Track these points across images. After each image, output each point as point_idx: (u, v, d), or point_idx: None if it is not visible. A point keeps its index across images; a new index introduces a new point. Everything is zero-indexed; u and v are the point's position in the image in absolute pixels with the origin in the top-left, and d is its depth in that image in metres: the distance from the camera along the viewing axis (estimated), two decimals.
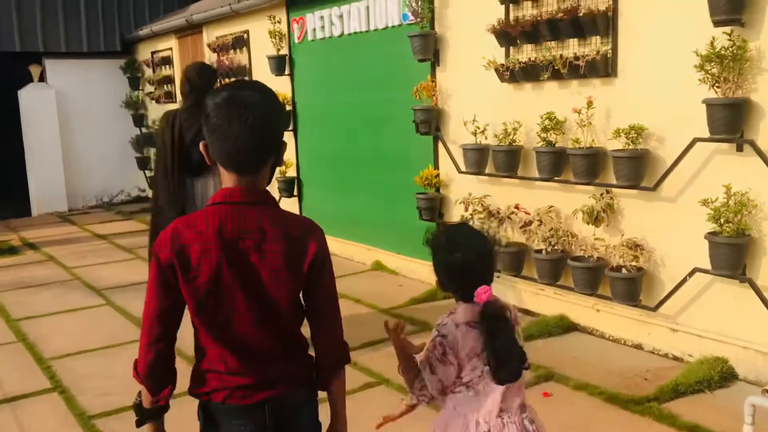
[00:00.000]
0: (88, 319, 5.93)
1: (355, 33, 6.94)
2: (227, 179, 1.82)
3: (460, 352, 2.10)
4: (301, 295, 1.88)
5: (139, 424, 1.92)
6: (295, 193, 8.22)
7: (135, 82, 12.22)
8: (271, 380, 1.83)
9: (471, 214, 5.61)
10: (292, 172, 8.21)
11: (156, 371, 1.85)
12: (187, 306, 1.82)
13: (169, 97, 11.18)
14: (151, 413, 1.89)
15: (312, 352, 1.95)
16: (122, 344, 5.15)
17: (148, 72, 11.94)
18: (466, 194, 5.70)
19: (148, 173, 12.33)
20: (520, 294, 5.54)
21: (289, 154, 8.12)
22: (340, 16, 7.08)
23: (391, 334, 2.17)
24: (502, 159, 5.26)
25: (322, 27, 7.39)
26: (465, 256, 2.15)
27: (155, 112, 11.82)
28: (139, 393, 1.92)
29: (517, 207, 5.30)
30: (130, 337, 5.24)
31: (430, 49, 5.90)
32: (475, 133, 5.50)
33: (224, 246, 1.75)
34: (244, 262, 1.76)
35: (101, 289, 6.79)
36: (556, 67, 4.75)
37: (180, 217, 1.85)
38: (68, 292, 6.78)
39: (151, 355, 1.84)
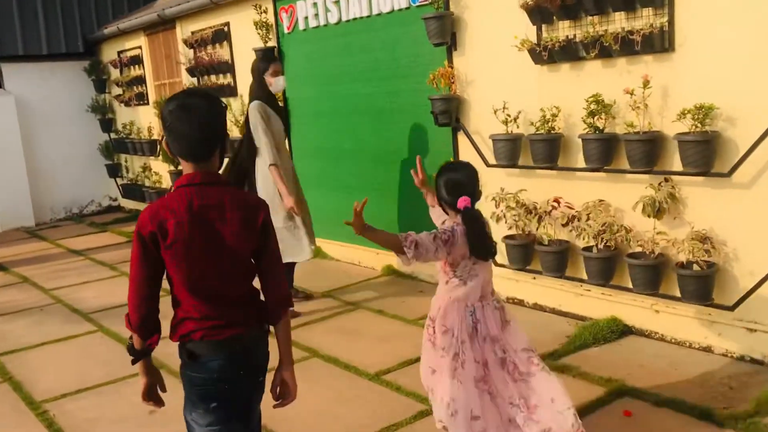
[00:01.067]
0: (80, 349, 5.27)
1: (355, 19, 6.36)
2: (186, 167, 2.31)
3: (456, 251, 2.97)
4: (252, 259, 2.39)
5: (134, 362, 2.41)
6: None
7: (101, 85, 11.44)
8: (236, 321, 2.33)
9: (503, 212, 5.10)
10: None
11: (146, 323, 2.32)
12: (167, 269, 2.30)
13: (141, 98, 10.45)
14: (143, 353, 2.38)
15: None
16: (124, 378, 4.52)
17: (115, 73, 11.17)
18: (495, 189, 5.18)
19: (120, 181, 11.58)
20: (562, 296, 5.06)
21: None
22: (337, 2, 6.50)
23: (359, 224, 2.98)
24: (541, 149, 4.75)
25: (316, 15, 6.79)
26: (462, 175, 3.10)
27: (125, 115, 11.08)
28: (130, 337, 2.38)
29: (557, 201, 4.81)
30: (132, 369, 4.60)
31: (447, 31, 5.36)
32: (506, 122, 4.99)
33: (193, 218, 2.24)
34: (211, 228, 2.26)
35: (88, 312, 6.12)
36: (605, 44, 4.26)
37: (156, 201, 2.33)
38: (51, 318, 6.09)
39: (143, 311, 2.30)
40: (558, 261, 4.84)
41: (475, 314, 3.03)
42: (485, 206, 5.26)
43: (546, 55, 4.63)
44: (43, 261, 8.41)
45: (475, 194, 3.07)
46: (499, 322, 3.09)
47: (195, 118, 2.24)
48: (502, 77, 5.13)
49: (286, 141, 6.25)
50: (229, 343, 2.32)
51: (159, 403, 2.50)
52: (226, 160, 3.85)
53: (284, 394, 2.49)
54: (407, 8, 5.81)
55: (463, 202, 2.97)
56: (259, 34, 7.37)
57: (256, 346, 2.41)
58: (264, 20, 7.35)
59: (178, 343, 2.37)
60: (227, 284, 2.32)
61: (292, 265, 5.58)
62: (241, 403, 2.39)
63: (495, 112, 5.01)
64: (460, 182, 3.06)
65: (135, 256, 2.28)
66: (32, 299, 6.71)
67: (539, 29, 4.82)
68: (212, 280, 2.29)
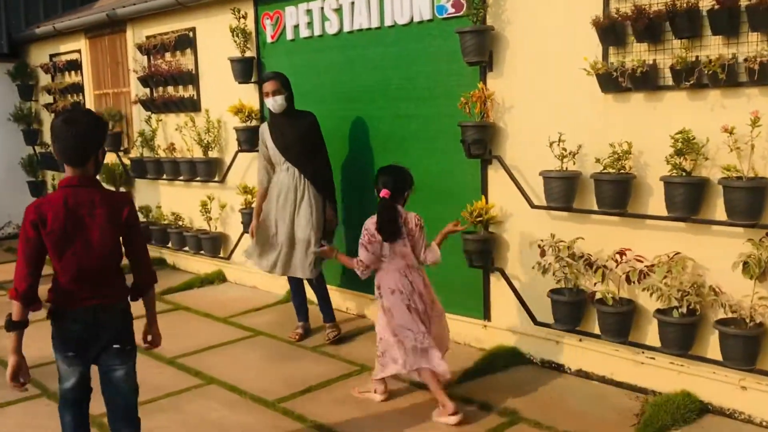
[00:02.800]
0: (22, 419, 4.13)
1: (361, 30, 5.53)
2: (67, 170, 2.89)
3: (373, 238, 4.01)
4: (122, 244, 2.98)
5: (8, 329, 2.86)
6: None
7: (27, 91, 10.07)
8: (98, 294, 2.92)
9: (550, 263, 4.34)
10: None
11: (28, 293, 2.82)
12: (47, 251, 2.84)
13: None
14: (18, 324, 2.86)
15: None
16: None
17: (46, 79, 9.86)
18: (542, 235, 4.43)
19: None
20: (616, 364, 4.32)
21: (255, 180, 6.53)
22: (338, 9, 5.65)
23: (327, 253, 4.34)
24: (609, 191, 4.03)
25: (309, 23, 5.91)
26: (389, 175, 4.07)
27: None
28: (8, 314, 2.85)
29: (622, 253, 4.08)
30: None
31: (486, 49, 4.60)
32: (561, 157, 4.25)
33: (67, 212, 2.82)
34: (81, 222, 2.84)
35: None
36: (708, 72, 3.59)
37: (42, 197, 3.02)
38: None
39: (27, 282, 2.81)
40: (621, 323, 4.11)
41: (407, 277, 4.03)
42: (528, 254, 4.50)
43: (624, 81, 3.92)
44: None
45: (398, 191, 4.01)
46: (422, 282, 4.09)
47: (74, 130, 2.82)
48: (554, 105, 4.40)
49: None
50: (87, 311, 2.90)
51: (21, 386, 2.94)
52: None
53: (153, 342, 3.21)
54: (430, 20, 5.02)
55: (383, 193, 3.97)
56: (236, 42, 6.41)
57: (112, 316, 2.98)
58: (242, 27, 6.40)
59: (50, 305, 2.93)
60: (94, 267, 2.87)
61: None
62: (91, 357, 2.99)
63: (551, 144, 4.26)
64: (387, 180, 4.01)
65: (22, 238, 2.82)
66: None
67: (606, 51, 4.12)
68: (81, 262, 2.84)
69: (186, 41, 7.23)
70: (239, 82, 6.49)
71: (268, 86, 5.16)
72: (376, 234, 3.95)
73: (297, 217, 5.18)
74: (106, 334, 2.95)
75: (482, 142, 4.64)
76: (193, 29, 7.19)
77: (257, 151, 6.43)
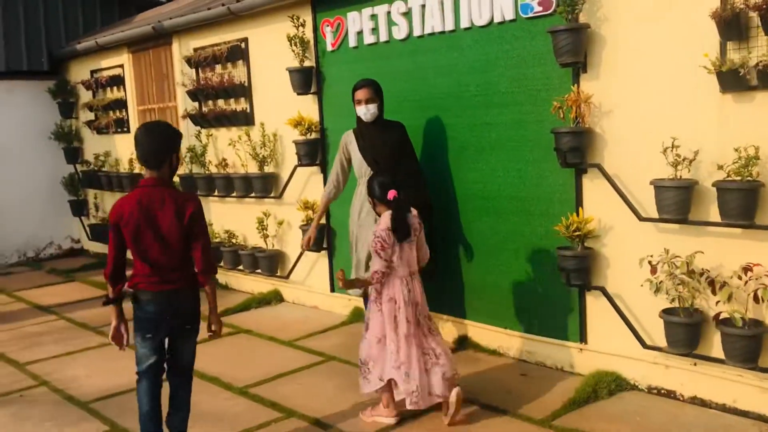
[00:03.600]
0: None
1: (432, 35, 5.19)
2: (146, 173, 3.42)
3: (386, 243, 3.91)
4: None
5: (105, 305, 3.51)
6: (325, 245, 6.31)
7: (67, 108, 9.90)
8: (169, 280, 3.41)
9: (662, 281, 3.95)
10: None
11: (115, 275, 3.42)
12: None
13: (121, 125, 8.98)
14: (111, 301, 3.47)
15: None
16: None
17: (87, 96, 9.66)
18: (652, 250, 4.04)
19: (87, 220, 9.98)
20: (739, 390, 3.91)
21: (315, 196, 6.22)
22: (406, 13, 5.33)
23: (345, 283, 3.99)
24: (735, 200, 3.64)
25: (374, 29, 5.60)
26: (387, 178, 4.07)
27: (96, 144, 9.57)
28: (105, 294, 3.52)
29: (748, 269, 3.69)
30: None
31: (581, 48, 4.25)
32: (675, 164, 3.87)
33: (141, 209, 3.31)
34: (153, 218, 3.33)
35: (86, 401, 4.64)
36: None
37: (123, 196, 3.45)
38: (36, 409, 4.57)
39: (112, 267, 3.40)
40: (750, 347, 3.70)
41: (408, 285, 4.01)
42: (634, 271, 4.11)
43: (751, 79, 3.54)
44: (5, 321, 6.79)
45: (399, 190, 3.99)
46: (420, 292, 4.08)
47: (151, 138, 3.38)
48: (663, 107, 4.02)
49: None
50: (161, 295, 3.41)
51: (122, 345, 3.53)
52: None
53: (216, 331, 3.62)
54: (512, 21, 4.68)
55: (392, 194, 3.96)
56: (293, 51, 6.12)
57: (183, 300, 3.47)
58: (300, 35, 6.10)
59: (131, 289, 3.43)
60: (163, 255, 3.37)
61: None
62: (165, 337, 3.50)
63: (664, 151, 3.89)
64: (387, 183, 4.02)
65: (109, 232, 3.38)
66: (4, 379, 5.15)
67: (724, 46, 3.74)
68: (153, 254, 3.36)
69: (238, 52, 6.96)
70: (298, 93, 6.19)
71: (362, 94, 4.86)
72: (387, 238, 3.91)
73: None
74: (177, 315, 3.46)
75: (579, 150, 4.28)
76: (245, 39, 6.91)
77: (317, 165, 6.17)
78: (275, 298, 6.94)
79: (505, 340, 5.06)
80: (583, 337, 4.59)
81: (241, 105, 7.07)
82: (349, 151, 5.03)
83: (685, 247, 3.94)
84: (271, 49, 6.60)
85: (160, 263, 3.35)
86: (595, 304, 4.52)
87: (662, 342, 4.09)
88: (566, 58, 4.25)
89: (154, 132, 3.39)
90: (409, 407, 3.97)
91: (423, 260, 4.14)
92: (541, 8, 4.49)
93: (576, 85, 4.36)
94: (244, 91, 6.98)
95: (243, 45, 6.93)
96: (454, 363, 4.13)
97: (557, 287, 4.62)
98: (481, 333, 5.20)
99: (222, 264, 7.45)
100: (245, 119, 6.99)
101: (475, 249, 5.12)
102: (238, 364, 5.23)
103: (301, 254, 6.53)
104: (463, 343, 5.28)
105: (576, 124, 4.30)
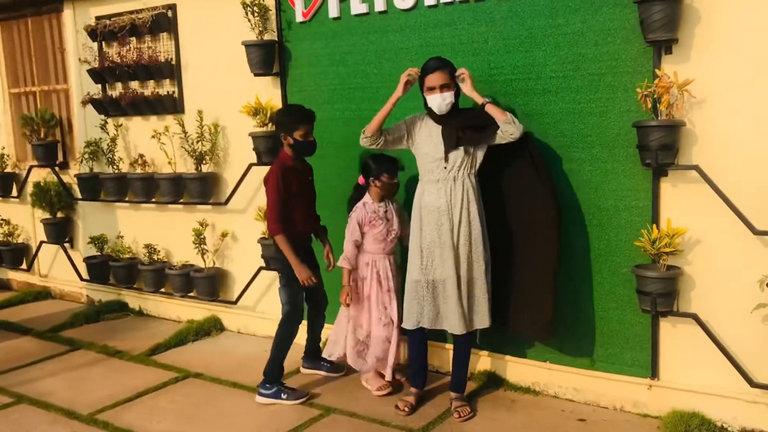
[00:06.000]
0: None
1: (452, 3, 4.22)
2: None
3: (363, 222, 4.27)
4: None
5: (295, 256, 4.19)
6: None
7: None
8: (312, 226, 4.40)
9: None
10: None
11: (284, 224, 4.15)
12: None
13: None
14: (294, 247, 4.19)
15: None
16: None
17: None
18: (764, 270, 3.35)
19: None
20: None
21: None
22: None
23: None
24: None
25: None
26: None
27: None
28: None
29: None
30: None
31: (676, 23, 3.46)
32: None
33: (297, 175, 4.21)
34: (307, 182, 4.31)
35: None
36: None
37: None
38: None
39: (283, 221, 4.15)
40: None
41: (376, 264, 4.30)
42: (747, 294, 3.40)
43: None
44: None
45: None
46: (389, 268, 4.33)
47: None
48: None
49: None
50: (308, 236, 4.42)
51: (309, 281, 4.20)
52: None
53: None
54: None
55: (361, 180, 4.33)
56: (249, 21, 4.88)
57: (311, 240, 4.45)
58: (259, 1, 4.88)
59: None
60: (310, 209, 4.40)
61: None
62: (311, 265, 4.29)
63: None
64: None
65: (275, 192, 4.10)
66: None
67: None
68: (305, 208, 4.31)
69: (162, 22, 5.57)
70: (256, 74, 4.96)
71: (435, 79, 3.76)
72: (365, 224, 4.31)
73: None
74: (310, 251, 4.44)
75: (672, 148, 3.50)
76: (173, 6, 5.54)
77: None
78: (215, 327, 5.65)
79: (543, 376, 4.20)
80: (654, 372, 3.83)
81: (167, 88, 5.69)
82: (413, 136, 3.97)
83: None
84: (211, 18, 5.31)
85: (308, 214, 4.46)
86: (670, 332, 3.77)
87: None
88: (660, 34, 3.44)
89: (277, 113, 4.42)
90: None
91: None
92: None
93: (655, 68, 3.58)
94: (169, 71, 5.60)
95: (169, 13, 5.55)
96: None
97: (620, 311, 3.84)
98: (512, 367, 4.32)
99: (138, 286, 6.02)
100: (172, 106, 5.62)
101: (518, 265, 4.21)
102: (207, 427, 3.98)
103: (257, 273, 5.29)
104: (488, 379, 4.35)
105: (666, 116, 3.51)
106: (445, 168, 3.81)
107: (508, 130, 3.74)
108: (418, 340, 4.07)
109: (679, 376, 3.78)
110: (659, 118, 3.53)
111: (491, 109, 3.76)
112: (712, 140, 3.52)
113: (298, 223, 4.25)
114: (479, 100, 3.79)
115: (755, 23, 3.36)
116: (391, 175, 4.23)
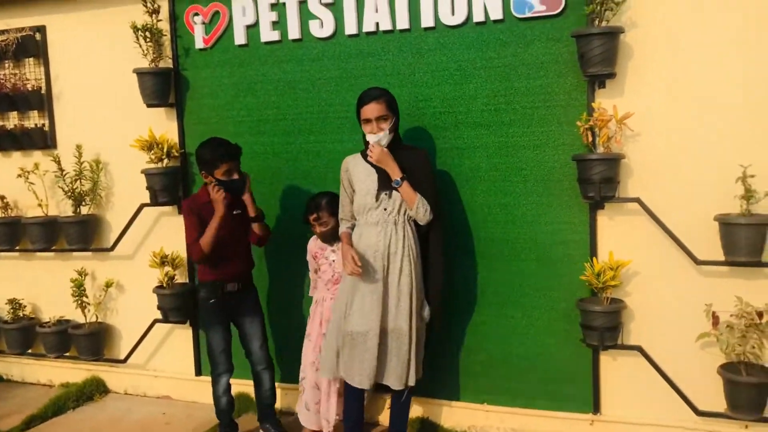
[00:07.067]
0: None
1: (375, 34, 4.02)
2: None
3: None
4: None
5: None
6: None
7: None
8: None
9: (722, 334, 3.35)
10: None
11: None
12: None
13: None
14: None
15: None
16: None
17: None
18: (706, 299, 3.42)
19: None
20: None
21: (176, 246, 4.58)
22: (331, 4, 4.08)
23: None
24: None
25: (276, 23, 4.22)
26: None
27: None
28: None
29: None
30: None
31: (614, 57, 3.49)
32: (747, 198, 3.29)
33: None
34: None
35: None
36: None
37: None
38: None
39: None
40: None
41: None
42: (690, 324, 3.47)
43: None
44: None
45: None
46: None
47: None
48: (720, 131, 3.43)
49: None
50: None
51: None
52: None
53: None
54: (499, 21, 3.75)
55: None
56: (141, 47, 4.41)
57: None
58: (151, 25, 4.42)
59: None
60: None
61: None
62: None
63: (737, 181, 3.28)
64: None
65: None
66: None
67: None
68: None
69: (29, 46, 4.90)
70: (150, 105, 4.47)
71: (371, 110, 3.48)
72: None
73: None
74: None
75: (613, 181, 3.50)
76: (41, 28, 4.90)
77: (175, 204, 4.53)
78: (97, 389, 4.96)
79: (480, 418, 4.04)
80: (596, 407, 3.79)
81: (35, 120, 5.00)
82: (352, 184, 3.67)
83: (754, 295, 3.37)
84: (89, 43, 4.76)
85: None
86: (612, 365, 3.76)
87: (718, 406, 3.47)
88: (599, 68, 3.45)
89: None
90: None
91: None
92: (544, 7, 3.64)
93: (589, 101, 3.59)
94: (39, 100, 4.93)
95: (38, 36, 4.90)
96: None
97: (557, 346, 3.80)
98: (446, 411, 4.12)
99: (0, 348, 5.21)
100: (42, 140, 4.95)
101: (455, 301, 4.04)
102: None
103: (151, 326, 4.72)
104: (421, 426, 4.11)
105: (605, 149, 3.52)
106: (385, 210, 3.57)
107: (416, 215, 3.53)
108: (351, 391, 3.76)
109: (621, 410, 3.76)
110: (597, 151, 3.53)
111: (404, 190, 3.49)
112: (650, 172, 3.57)
113: (219, 265, 3.82)
114: (394, 176, 3.50)
115: (685, 57, 3.46)
116: (318, 219, 3.91)
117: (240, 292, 3.93)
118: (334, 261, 3.93)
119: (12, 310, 5.07)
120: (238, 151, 3.80)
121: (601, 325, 3.52)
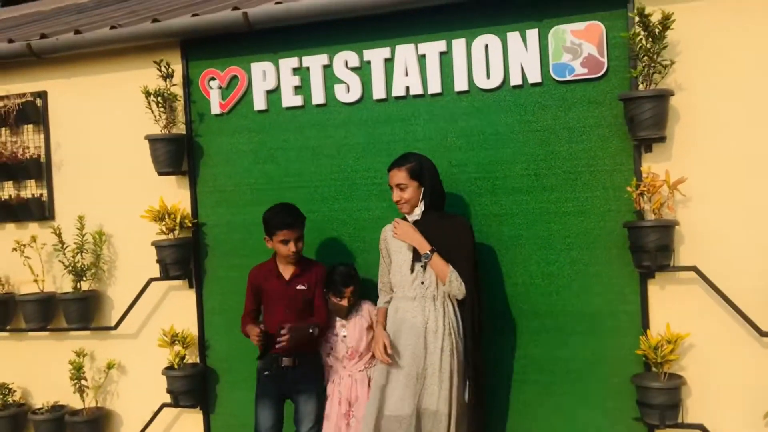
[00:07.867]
0: None
1: (404, 98, 3.87)
2: None
3: None
4: None
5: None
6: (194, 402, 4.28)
7: None
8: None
9: None
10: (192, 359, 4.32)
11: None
12: None
13: None
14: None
15: None
16: None
17: None
18: None
19: None
20: None
21: (186, 323, 4.27)
22: (358, 68, 3.93)
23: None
24: None
25: (299, 87, 4.05)
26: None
27: None
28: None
29: None
30: None
31: (664, 121, 3.37)
32: None
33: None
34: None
35: None
36: None
37: None
38: None
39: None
40: None
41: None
42: (755, 399, 3.25)
43: None
44: None
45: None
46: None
47: None
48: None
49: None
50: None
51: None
52: None
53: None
54: (537, 84, 3.63)
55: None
56: (153, 112, 4.19)
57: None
58: (165, 90, 4.22)
59: None
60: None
61: None
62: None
63: None
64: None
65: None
66: None
67: None
68: None
69: (30, 112, 4.65)
70: (162, 173, 4.22)
71: (391, 177, 3.42)
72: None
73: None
74: None
75: (668, 249, 3.33)
76: (42, 94, 4.66)
77: (187, 278, 4.25)
78: None
79: None
80: None
81: (33, 190, 4.70)
82: (390, 252, 3.48)
83: None
84: (93, 109, 4.54)
85: None
86: None
87: None
88: (650, 132, 3.32)
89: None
90: None
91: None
92: (585, 70, 3.53)
93: (638, 166, 3.46)
94: (38, 169, 4.65)
95: (38, 101, 4.65)
96: None
97: (609, 425, 3.54)
98: None
99: None
100: (39, 211, 4.64)
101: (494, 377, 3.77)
102: None
103: (159, 411, 4.34)
104: None
105: (656, 215, 3.36)
106: (422, 284, 3.34)
107: (449, 290, 3.33)
108: None
109: None
110: (648, 217, 3.37)
111: (435, 263, 3.30)
112: (704, 239, 3.41)
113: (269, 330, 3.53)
114: (422, 250, 3.33)
115: (735, 119, 3.36)
116: (338, 296, 3.66)
117: (298, 367, 3.61)
118: (345, 336, 3.67)
119: (1, 396, 4.64)
120: (296, 220, 3.56)
121: (662, 402, 3.29)
